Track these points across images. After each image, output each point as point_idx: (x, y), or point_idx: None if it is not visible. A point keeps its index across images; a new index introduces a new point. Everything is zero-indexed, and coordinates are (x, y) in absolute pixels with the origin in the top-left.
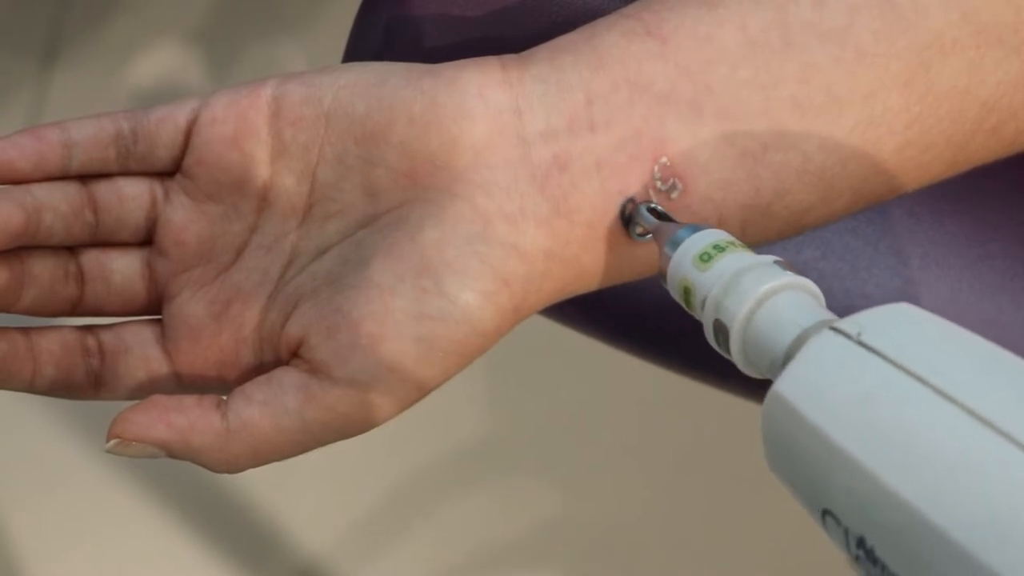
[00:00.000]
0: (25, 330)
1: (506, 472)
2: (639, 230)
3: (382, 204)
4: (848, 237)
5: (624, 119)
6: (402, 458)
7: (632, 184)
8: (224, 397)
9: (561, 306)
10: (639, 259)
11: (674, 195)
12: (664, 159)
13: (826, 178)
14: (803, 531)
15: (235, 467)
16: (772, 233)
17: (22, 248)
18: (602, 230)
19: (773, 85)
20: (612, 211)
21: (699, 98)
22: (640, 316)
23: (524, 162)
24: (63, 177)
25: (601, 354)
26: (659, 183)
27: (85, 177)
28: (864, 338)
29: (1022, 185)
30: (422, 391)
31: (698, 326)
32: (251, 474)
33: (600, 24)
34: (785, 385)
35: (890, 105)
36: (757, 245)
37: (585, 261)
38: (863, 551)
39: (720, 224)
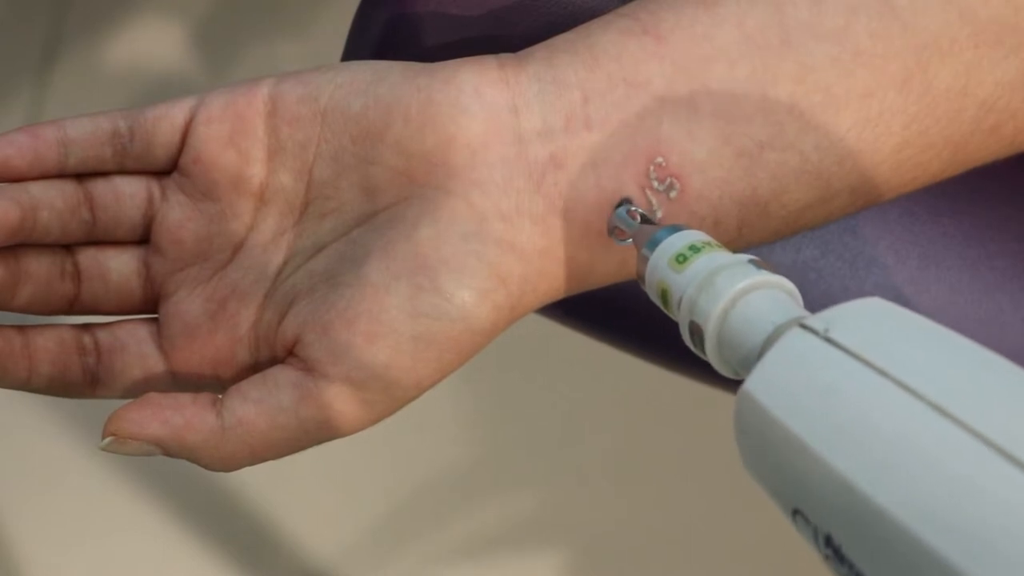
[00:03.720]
0: (21, 328)
1: (505, 477)
2: (619, 234)
3: (378, 202)
4: (847, 236)
5: (621, 118)
6: (401, 463)
7: (628, 183)
8: (220, 395)
9: (557, 305)
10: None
11: (672, 195)
12: (659, 159)
13: (824, 178)
14: (796, 532)
15: (231, 465)
16: (769, 232)
17: (18, 246)
18: (598, 228)
19: (770, 84)
20: (608, 210)
21: (696, 97)
22: (638, 313)
23: (520, 160)
24: (60, 175)
25: (596, 354)
26: (655, 183)
27: (82, 175)
28: (831, 334)
29: (1021, 185)
30: (418, 389)
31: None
32: (254, 476)
33: (597, 23)
34: (754, 384)
35: (888, 105)
36: (754, 245)
37: (581, 259)
38: (831, 549)
39: (716, 223)
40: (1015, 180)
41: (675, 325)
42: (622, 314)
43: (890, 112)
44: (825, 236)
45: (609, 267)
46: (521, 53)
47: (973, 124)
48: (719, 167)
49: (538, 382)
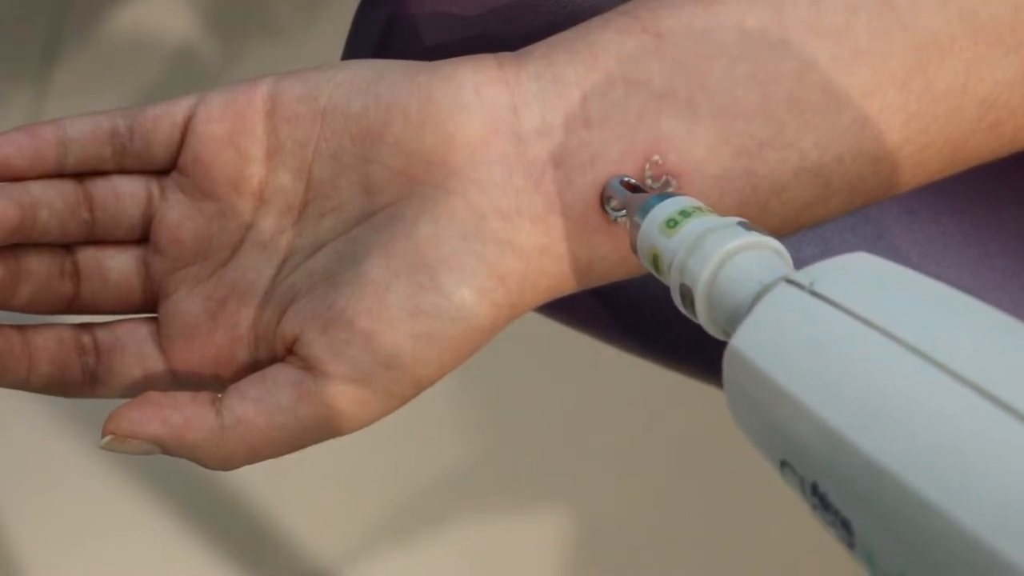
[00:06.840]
0: (21, 327)
1: (505, 477)
2: (613, 204)
3: (378, 201)
4: (847, 235)
5: (619, 116)
6: (401, 463)
7: None
8: (219, 394)
9: (556, 303)
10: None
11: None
12: (656, 157)
13: (823, 176)
14: (798, 530)
15: (230, 464)
16: (769, 230)
17: (18, 245)
18: (597, 225)
19: (770, 83)
20: None
21: (695, 95)
22: (637, 311)
23: (519, 159)
24: (59, 174)
25: (596, 353)
26: (649, 180)
27: (81, 175)
28: (816, 287)
29: (1021, 185)
30: (417, 387)
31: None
32: (254, 476)
33: (596, 21)
34: (741, 339)
35: (888, 103)
36: None
37: (581, 257)
38: (818, 498)
39: None
40: (1015, 180)
41: (674, 323)
42: (621, 312)
43: (890, 110)
44: (825, 235)
45: (609, 264)
46: (520, 52)
47: (973, 122)
48: (718, 165)
49: (538, 382)
